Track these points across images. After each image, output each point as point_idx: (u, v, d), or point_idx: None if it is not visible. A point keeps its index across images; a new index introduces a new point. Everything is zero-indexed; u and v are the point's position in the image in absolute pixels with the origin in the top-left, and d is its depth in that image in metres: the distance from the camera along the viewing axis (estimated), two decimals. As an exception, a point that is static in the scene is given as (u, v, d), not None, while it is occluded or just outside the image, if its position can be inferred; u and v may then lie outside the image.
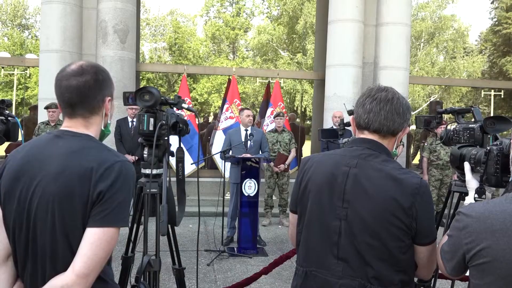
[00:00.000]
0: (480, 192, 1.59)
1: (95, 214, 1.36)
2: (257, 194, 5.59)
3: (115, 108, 1.65)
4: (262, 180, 6.48)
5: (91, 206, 1.36)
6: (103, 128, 1.56)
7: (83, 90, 1.45)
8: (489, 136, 2.18)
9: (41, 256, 1.40)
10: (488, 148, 1.54)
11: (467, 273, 1.37)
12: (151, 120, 1.99)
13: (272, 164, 6.82)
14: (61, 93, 1.47)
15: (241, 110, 6.43)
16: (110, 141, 6.49)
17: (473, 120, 2.42)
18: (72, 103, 1.47)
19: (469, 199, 1.61)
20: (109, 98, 1.55)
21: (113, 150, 1.50)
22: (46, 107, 6.50)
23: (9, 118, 2.36)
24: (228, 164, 5.82)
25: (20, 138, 2.47)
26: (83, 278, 1.33)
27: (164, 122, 1.99)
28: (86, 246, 1.34)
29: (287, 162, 6.87)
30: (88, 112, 1.49)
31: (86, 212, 1.36)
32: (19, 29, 35.60)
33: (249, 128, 6.05)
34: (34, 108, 8.74)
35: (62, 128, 1.51)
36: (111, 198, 1.36)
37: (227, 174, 5.91)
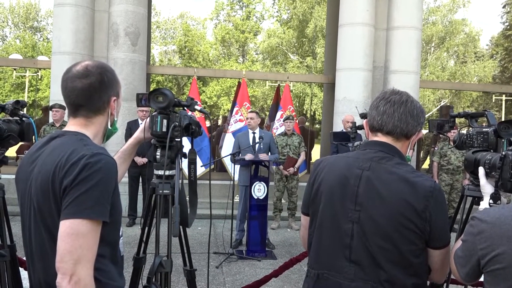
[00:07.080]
0: (495, 197, 1.57)
1: (62, 208, 1.32)
2: (266, 197, 5.59)
3: (121, 105, 1.63)
4: (272, 183, 6.47)
5: (61, 203, 1.34)
6: (110, 127, 1.56)
7: (87, 92, 1.45)
8: (503, 140, 2.16)
9: (36, 256, 1.42)
10: (503, 153, 1.52)
11: (481, 279, 1.36)
12: (164, 121, 1.99)
13: (281, 167, 6.82)
14: (67, 95, 1.48)
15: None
16: (120, 143, 6.52)
17: (484, 124, 2.40)
18: (77, 105, 1.47)
19: (484, 204, 1.59)
20: (115, 98, 1.54)
21: (93, 145, 1.43)
22: (50, 107, 6.57)
23: (24, 118, 2.38)
24: (237, 167, 5.83)
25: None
26: (64, 274, 1.27)
27: (177, 123, 2.00)
28: (58, 240, 1.30)
29: (296, 166, 6.86)
30: (92, 112, 1.49)
31: (60, 210, 1.33)
32: (31, 32, 35.99)
33: (256, 131, 6.05)
34: (46, 109, 8.82)
35: (64, 128, 1.52)
36: (72, 190, 1.31)
37: (236, 177, 5.92)
